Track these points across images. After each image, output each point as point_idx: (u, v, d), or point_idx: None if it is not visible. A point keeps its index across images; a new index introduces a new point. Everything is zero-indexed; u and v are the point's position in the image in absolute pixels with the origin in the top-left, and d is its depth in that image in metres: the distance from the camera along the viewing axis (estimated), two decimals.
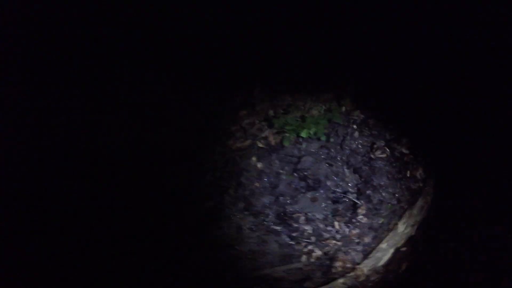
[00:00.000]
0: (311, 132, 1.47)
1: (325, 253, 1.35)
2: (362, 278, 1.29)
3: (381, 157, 1.47)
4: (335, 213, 1.44)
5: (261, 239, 1.40)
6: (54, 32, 1.31)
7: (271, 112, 1.56)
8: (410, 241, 1.40)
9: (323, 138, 1.50)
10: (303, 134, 1.46)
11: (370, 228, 1.37)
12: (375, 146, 1.49)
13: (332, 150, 1.56)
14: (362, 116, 1.56)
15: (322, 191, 1.49)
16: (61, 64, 1.32)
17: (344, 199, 1.48)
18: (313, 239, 1.37)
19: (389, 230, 1.37)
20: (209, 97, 1.56)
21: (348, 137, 1.53)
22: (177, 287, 1.24)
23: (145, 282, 1.23)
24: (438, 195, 1.45)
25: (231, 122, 1.60)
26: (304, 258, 1.35)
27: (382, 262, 1.30)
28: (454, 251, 1.40)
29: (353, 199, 1.43)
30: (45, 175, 1.22)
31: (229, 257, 1.36)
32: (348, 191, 1.50)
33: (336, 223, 1.39)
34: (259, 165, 1.53)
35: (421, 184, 1.45)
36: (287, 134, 1.50)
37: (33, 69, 1.27)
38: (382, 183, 1.46)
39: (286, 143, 1.51)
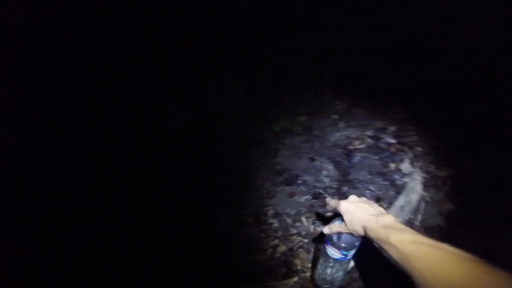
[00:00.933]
0: (285, 125, 1.42)
1: (290, 249, 1.30)
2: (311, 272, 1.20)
3: (359, 148, 1.32)
4: (309, 209, 1.36)
5: (233, 230, 1.43)
6: (54, 32, 1.49)
7: (253, 108, 1.56)
8: None
9: (298, 130, 1.43)
10: (276, 128, 1.43)
11: None
12: (354, 136, 1.34)
13: (316, 144, 1.47)
14: (345, 105, 1.42)
15: (302, 186, 1.43)
16: (61, 64, 1.46)
17: (323, 195, 1.38)
18: (279, 233, 1.34)
19: None
20: (193, 98, 1.64)
21: (329, 129, 1.42)
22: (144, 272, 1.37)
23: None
24: (426, 193, 1.23)
25: (214, 121, 1.66)
26: (269, 252, 1.33)
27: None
28: None
29: (327, 196, 1.33)
30: (45, 175, 1.31)
31: (199, 246, 1.43)
32: (330, 187, 1.39)
33: (303, 219, 1.32)
34: (240, 160, 1.56)
35: (406, 180, 1.24)
36: (265, 130, 1.49)
37: (33, 69, 1.41)
38: (361, 178, 1.31)
39: (264, 138, 1.49)
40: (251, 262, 1.37)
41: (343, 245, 0.99)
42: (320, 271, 1.09)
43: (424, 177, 1.23)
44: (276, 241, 1.36)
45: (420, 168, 1.24)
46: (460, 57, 1.30)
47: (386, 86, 1.33)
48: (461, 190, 1.18)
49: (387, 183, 1.28)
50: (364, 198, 0.99)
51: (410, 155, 1.25)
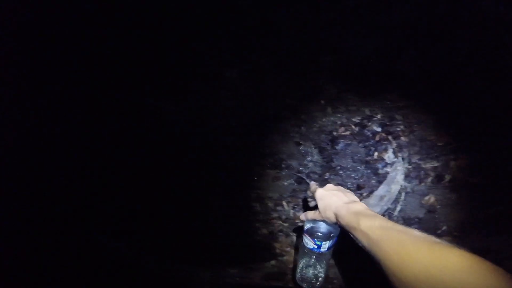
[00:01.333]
0: (274, 109, 1.40)
1: (270, 233, 1.33)
2: (292, 265, 1.23)
3: (344, 135, 1.29)
4: (291, 194, 1.37)
5: (215, 213, 1.44)
6: (54, 32, 1.49)
7: (248, 94, 1.53)
8: None
9: (287, 114, 1.40)
10: (265, 112, 1.40)
11: None
12: (340, 122, 1.32)
13: (303, 128, 1.45)
14: (335, 90, 1.37)
15: (286, 170, 1.42)
16: (61, 64, 1.43)
17: (305, 180, 1.38)
18: (261, 217, 1.36)
19: None
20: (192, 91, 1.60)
21: (316, 113, 1.39)
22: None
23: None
24: (408, 184, 1.22)
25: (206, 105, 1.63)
26: (250, 235, 1.36)
27: None
28: None
29: (308, 182, 1.33)
30: (43, 175, 1.31)
31: (180, 228, 1.44)
32: (314, 172, 1.39)
33: (284, 204, 1.33)
34: (229, 144, 1.55)
35: (388, 169, 1.23)
36: (254, 114, 1.46)
37: (33, 69, 1.39)
38: (344, 165, 1.30)
39: (253, 122, 1.47)
40: (232, 244, 1.40)
41: (317, 233, 1.00)
42: (299, 269, 1.10)
43: (406, 168, 1.22)
44: (257, 224, 1.38)
45: (403, 158, 1.22)
46: (466, 44, 1.24)
47: (384, 72, 1.28)
48: (445, 184, 1.17)
49: (369, 171, 1.27)
50: (340, 187, 1.01)
51: (394, 144, 1.23)
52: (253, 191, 1.41)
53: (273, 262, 1.25)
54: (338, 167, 1.30)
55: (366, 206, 0.85)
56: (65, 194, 1.30)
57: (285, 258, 1.26)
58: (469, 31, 1.26)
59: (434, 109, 1.22)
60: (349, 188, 1.32)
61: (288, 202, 1.33)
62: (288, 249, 1.27)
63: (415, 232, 0.64)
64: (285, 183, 1.42)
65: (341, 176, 1.30)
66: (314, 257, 1.07)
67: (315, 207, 1.05)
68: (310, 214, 1.03)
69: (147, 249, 1.37)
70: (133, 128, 1.54)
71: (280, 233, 1.29)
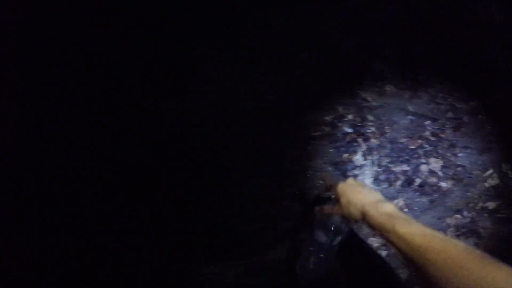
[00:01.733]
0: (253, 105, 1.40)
1: (247, 230, 1.37)
2: (270, 263, 1.28)
3: (315, 135, 1.26)
4: (266, 191, 1.39)
5: (195, 209, 1.49)
6: (54, 32, 1.57)
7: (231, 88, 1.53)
8: None
9: (265, 111, 1.40)
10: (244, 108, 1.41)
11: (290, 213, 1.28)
12: (311, 121, 1.28)
13: (279, 126, 1.43)
14: (314, 86, 1.32)
15: (260, 167, 1.44)
16: (61, 64, 1.49)
17: (280, 179, 1.39)
18: (238, 214, 1.40)
19: None
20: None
21: (292, 110, 1.36)
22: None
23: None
24: (377, 187, 1.17)
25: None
26: (227, 232, 1.41)
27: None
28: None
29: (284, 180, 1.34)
30: (45, 175, 1.34)
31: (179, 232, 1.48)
32: (286, 169, 1.39)
33: (261, 201, 1.36)
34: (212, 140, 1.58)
35: (356, 172, 1.19)
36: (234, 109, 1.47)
37: (33, 69, 1.45)
38: (313, 166, 1.29)
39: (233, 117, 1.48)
40: (210, 241, 1.47)
41: (331, 228, 0.97)
42: (304, 261, 1.08)
43: (376, 171, 1.17)
44: (235, 222, 1.44)
45: (373, 161, 1.17)
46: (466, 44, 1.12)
47: (362, 69, 1.21)
48: (415, 188, 1.11)
49: (338, 173, 1.24)
50: (361, 183, 0.95)
51: (364, 147, 1.18)
52: (230, 187, 1.45)
53: (254, 258, 1.31)
54: (309, 167, 1.29)
55: (395, 206, 0.80)
56: (65, 194, 1.41)
57: (263, 256, 1.31)
58: (469, 31, 1.13)
59: (408, 110, 1.13)
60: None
61: (263, 200, 1.36)
62: (262, 247, 1.32)
63: (459, 243, 0.61)
64: (260, 181, 1.43)
65: (309, 176, 1.29)
66: (321, 252, 1.03)
67: (317, 199, 1.01)
68: (327, 208, 0.98)
69: (147, 249, 1.48)
70: (132, 128, 1.61)
71: (257, 231, 1.34)
